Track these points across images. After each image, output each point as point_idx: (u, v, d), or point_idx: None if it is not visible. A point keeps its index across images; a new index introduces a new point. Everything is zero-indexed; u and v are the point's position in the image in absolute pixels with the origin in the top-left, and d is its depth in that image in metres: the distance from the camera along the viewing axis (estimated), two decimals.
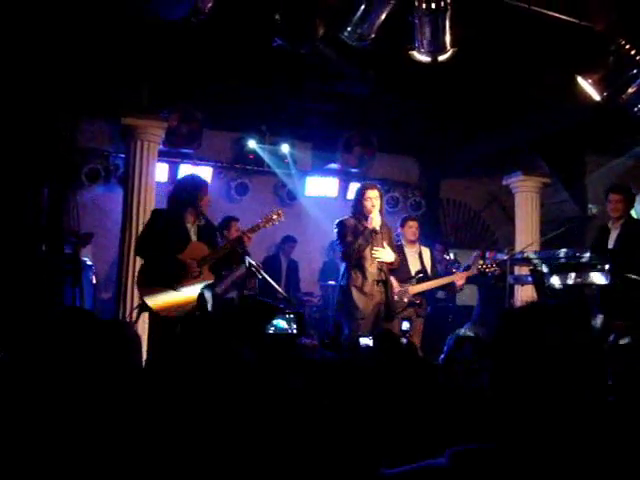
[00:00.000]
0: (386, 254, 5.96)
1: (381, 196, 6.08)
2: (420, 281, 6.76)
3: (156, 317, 5.24)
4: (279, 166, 9.61)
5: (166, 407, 1.92)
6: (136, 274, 5.70)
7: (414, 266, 6.85)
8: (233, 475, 1.71)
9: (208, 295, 5.33)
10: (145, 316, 5.65)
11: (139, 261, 5.97)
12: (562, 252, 6.40)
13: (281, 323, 5.50)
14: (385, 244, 5.99)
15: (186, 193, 5.49)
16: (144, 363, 2.58)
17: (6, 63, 6.62)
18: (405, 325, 6.33)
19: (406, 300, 6.54)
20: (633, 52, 5.31)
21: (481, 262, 7.30)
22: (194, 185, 5.59)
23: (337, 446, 1.88)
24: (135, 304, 6.39)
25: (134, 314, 5.78)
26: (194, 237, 5.45)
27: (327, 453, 1.81)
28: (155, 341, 5.07)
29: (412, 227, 7.02)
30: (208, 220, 5.70)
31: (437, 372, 3.30)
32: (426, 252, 7.09)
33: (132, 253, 6.92)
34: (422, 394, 2.47)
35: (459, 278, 7.10)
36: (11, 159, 7.48)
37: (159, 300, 5.18)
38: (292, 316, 5.61)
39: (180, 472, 1.72)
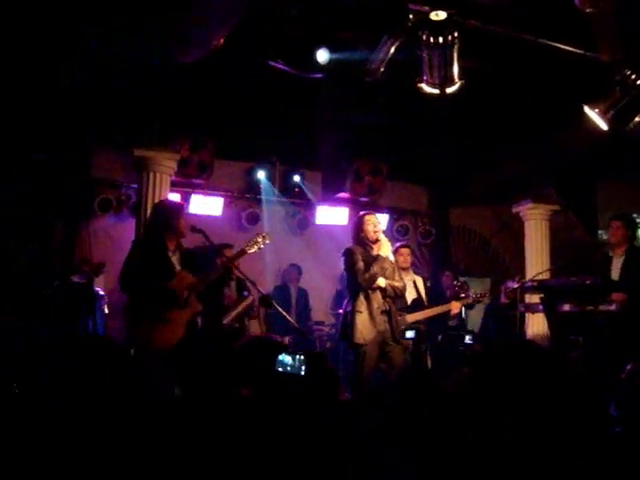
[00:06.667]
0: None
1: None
2: (417, 310, 6.64)
3: (144, 350, 4.98)
4: (289, 195, 9.70)
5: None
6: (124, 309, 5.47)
7: (410, 294, 6.67)
8: None
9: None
10: None
11: None
12: (572, 280, 6.37)
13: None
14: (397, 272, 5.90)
15: (163, 218, 5.32)
16: None
17: (22, 94, 6.76)
18: (410, 334, 6.14)
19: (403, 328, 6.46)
20: (639, 82, 5.37)
21: (476, 292, 7.31)
22: (169, 209, 5.44)
23: None
24: None
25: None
26: (177, 266, 5.23)
27: None
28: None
29: (404, 254, 6.94)
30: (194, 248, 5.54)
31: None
32: (419, 281, 7.01)
33: None
34: None
35: (455, 307, 6.96)
36: (25, 189, 7.60)
37: (148, 333, 4.99)
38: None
39: None
